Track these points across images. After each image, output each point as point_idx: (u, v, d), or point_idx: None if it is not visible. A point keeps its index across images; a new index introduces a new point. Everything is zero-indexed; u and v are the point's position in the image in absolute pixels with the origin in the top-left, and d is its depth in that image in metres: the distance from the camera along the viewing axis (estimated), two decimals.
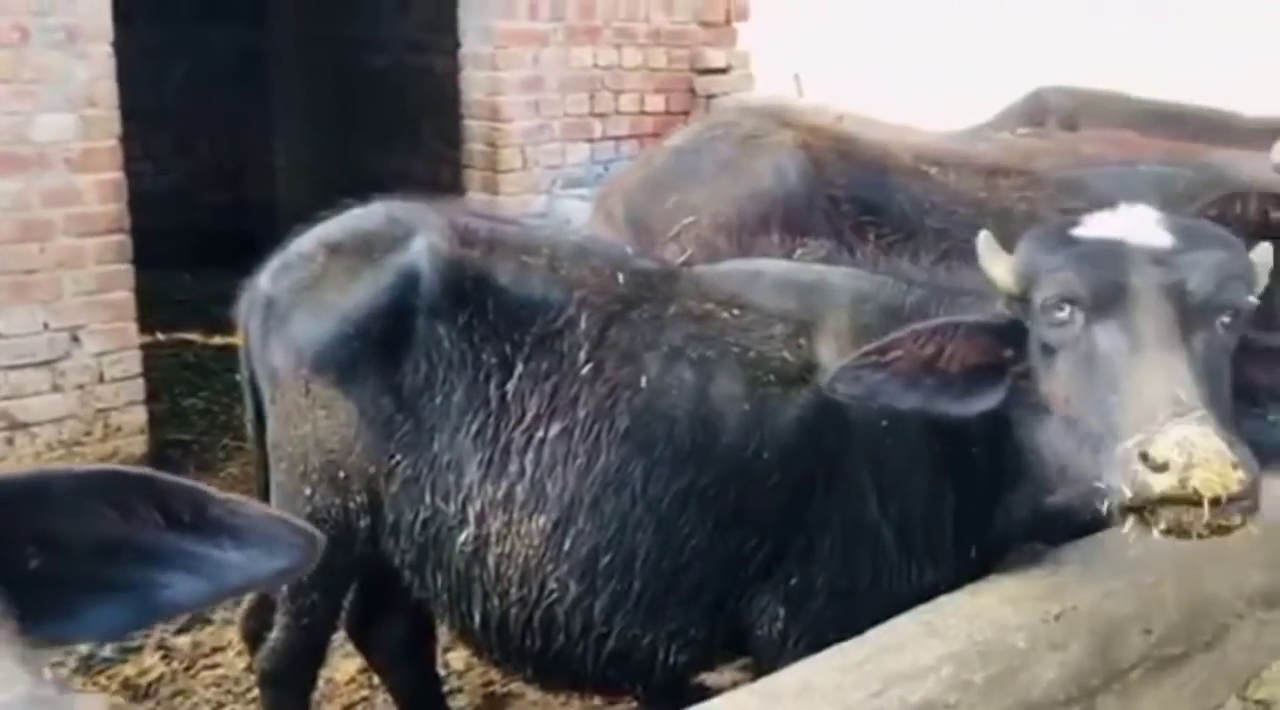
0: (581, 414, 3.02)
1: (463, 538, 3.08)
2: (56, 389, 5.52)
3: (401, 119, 8.25)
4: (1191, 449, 2.24)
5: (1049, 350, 2.63)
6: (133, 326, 5.75)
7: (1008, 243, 2.92)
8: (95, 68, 5.46)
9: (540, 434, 3.03)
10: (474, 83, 7.03)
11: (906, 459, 2.93)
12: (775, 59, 8.64)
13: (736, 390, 2.99)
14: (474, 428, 3.07)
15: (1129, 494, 2.29)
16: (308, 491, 3.23)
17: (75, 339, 5.56)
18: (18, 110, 5.33)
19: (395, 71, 8.39)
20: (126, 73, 5.61)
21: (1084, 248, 2.64)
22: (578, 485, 2.99)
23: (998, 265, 2.74)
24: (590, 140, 7.34)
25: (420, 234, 3.18)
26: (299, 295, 3.23)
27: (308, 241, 3.32)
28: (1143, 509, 2.30)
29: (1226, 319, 2.57)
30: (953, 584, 2.90)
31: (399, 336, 3.12)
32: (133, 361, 5.74)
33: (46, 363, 5.49)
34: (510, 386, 3.07)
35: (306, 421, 3.21)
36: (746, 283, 3.19)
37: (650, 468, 2.97)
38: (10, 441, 5.45)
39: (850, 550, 2.95)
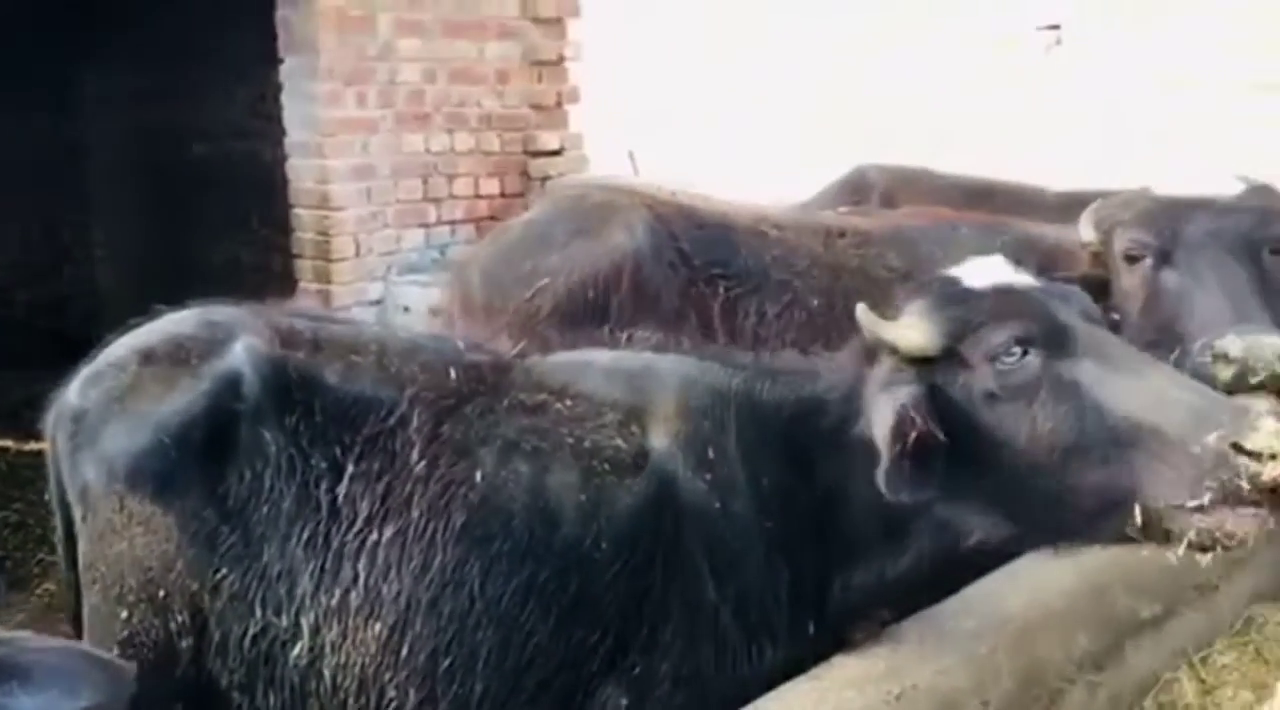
0: (416, 513, 2.93)
1: (296, 651, 2.94)
2: None
3: (229, 209, 8.04)
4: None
5: (994, 397, 2.66)
6: None
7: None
8: None
9: (374, 537, 2.93)
10: (302, 171, 6.92)
11: (740, 539, 2.94)
12: (608, 140, 8.77)
13: (571, 481, 2.96)
14: (305, 535, 2.95)
15: (1245, 484, 2.36)
16: (124, 614, 3.05)
17: None
18: None
19: (221, 160, 8.19)
20: None
21: (1005, 296, 2.75)
22: (414, 587, 2.90)
23: (907, 330, 2.76)
24: (425, 225, 7.28)
25: (240, 337, 3.07)
26: (110, 406, 3.07)
27: (119, 349, 3.17)
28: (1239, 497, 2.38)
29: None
30: (797, 660, 2.91)
31: (221, 444, 2.99)
32: None
33: None
34: (341, 489, 2.97)
35: (122, 540, 3.03)
36: (577, 372, 3.18)
37: (488, 565, 2.90)
38: None
39: (692, 635, 2.92)
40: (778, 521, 2.93)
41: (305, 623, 2.93)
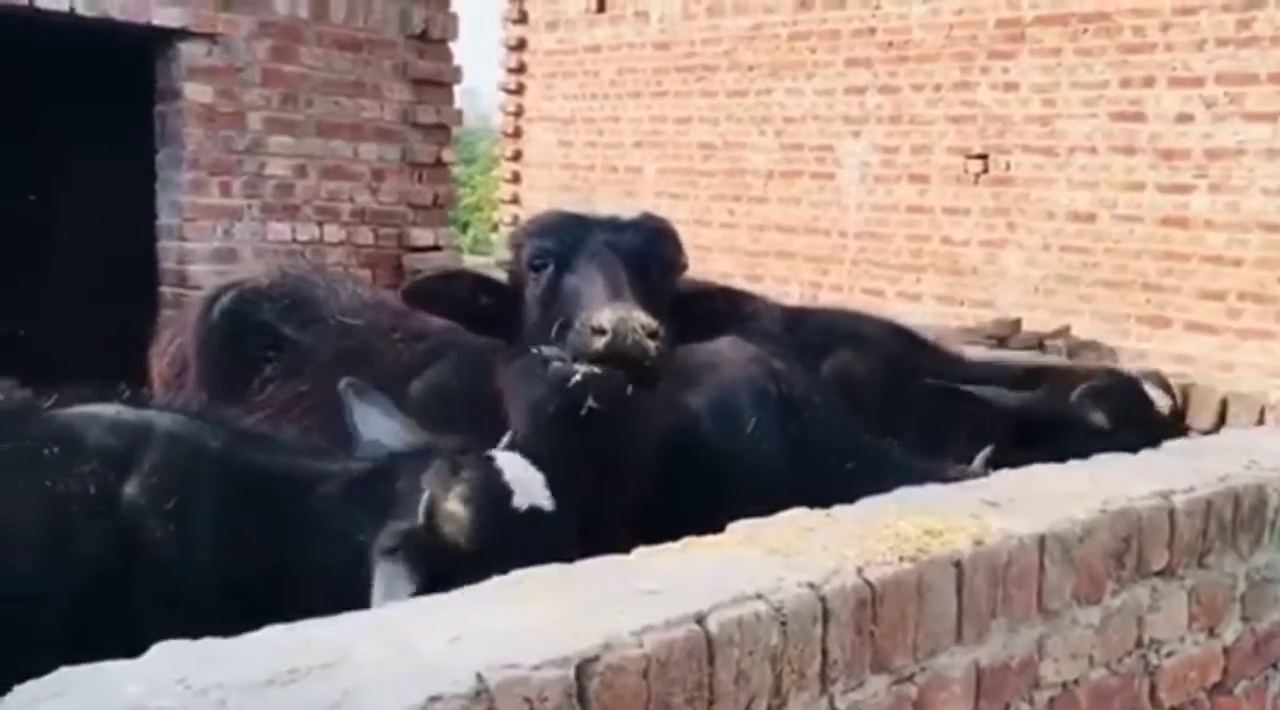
0: None
1: None
2: None
3: (105, 282, 8.57)
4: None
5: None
6: None
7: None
8: None
9: None
10: (166, 252, 7.46)
11: (191, 586, 3.20)
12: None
13: (37, 519, 3.24)
14: None
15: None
16: None
17: None
18: None
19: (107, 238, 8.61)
20: None
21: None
22: None
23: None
24: None
25: None
26: None
27: None
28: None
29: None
30: None
31: None
32: None
33: None
34: None
35: None
36: (83, 422, 3.48)
37: None
38: None
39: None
40: (233, 571, 3.18)
41: None
